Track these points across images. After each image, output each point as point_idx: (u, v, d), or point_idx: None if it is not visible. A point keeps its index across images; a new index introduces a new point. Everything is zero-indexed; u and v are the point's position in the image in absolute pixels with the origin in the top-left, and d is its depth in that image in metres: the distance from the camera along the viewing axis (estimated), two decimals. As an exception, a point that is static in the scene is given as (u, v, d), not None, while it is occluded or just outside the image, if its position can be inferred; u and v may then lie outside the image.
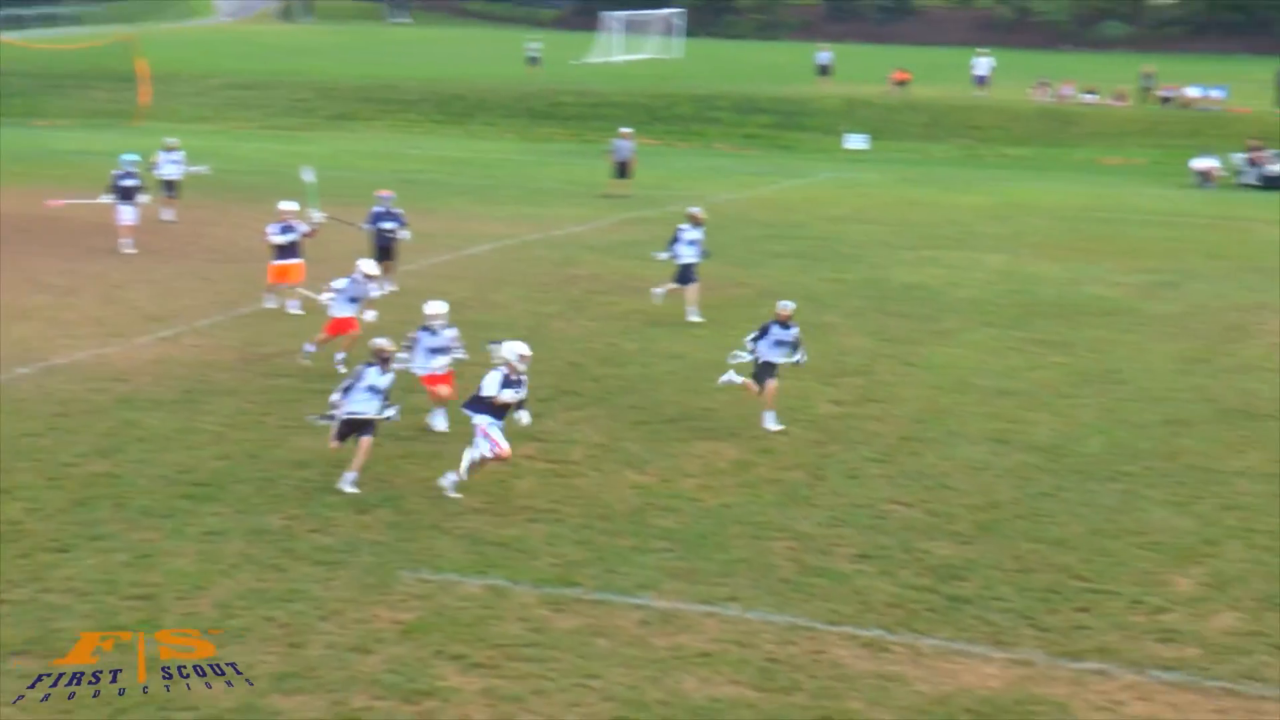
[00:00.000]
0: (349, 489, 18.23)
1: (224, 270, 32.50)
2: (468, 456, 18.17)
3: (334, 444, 18.72)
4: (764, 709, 13.29)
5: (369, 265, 24.79)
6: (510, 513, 17.92)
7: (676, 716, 13.09)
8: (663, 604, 15.50)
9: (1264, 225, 44.56)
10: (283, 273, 28.07)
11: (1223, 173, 55.21)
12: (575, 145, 64.99)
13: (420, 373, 20.73)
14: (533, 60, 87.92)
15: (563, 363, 25.09)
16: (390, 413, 18.65)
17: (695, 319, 28.31)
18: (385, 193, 30.82)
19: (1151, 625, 15.31)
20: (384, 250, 29.93)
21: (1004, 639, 14.92)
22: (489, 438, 18.00)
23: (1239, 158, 55.98)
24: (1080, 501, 18.98)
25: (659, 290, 28.99)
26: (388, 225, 29.98)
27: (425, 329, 20.65)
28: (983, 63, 76.59)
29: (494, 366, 18.28)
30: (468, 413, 18.34)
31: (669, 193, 47.81)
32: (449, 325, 20.80)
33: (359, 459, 18.40)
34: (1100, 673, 14.21)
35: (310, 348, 24.17)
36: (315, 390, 22.89)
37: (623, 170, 47.93)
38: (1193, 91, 72.41)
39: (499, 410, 18.10)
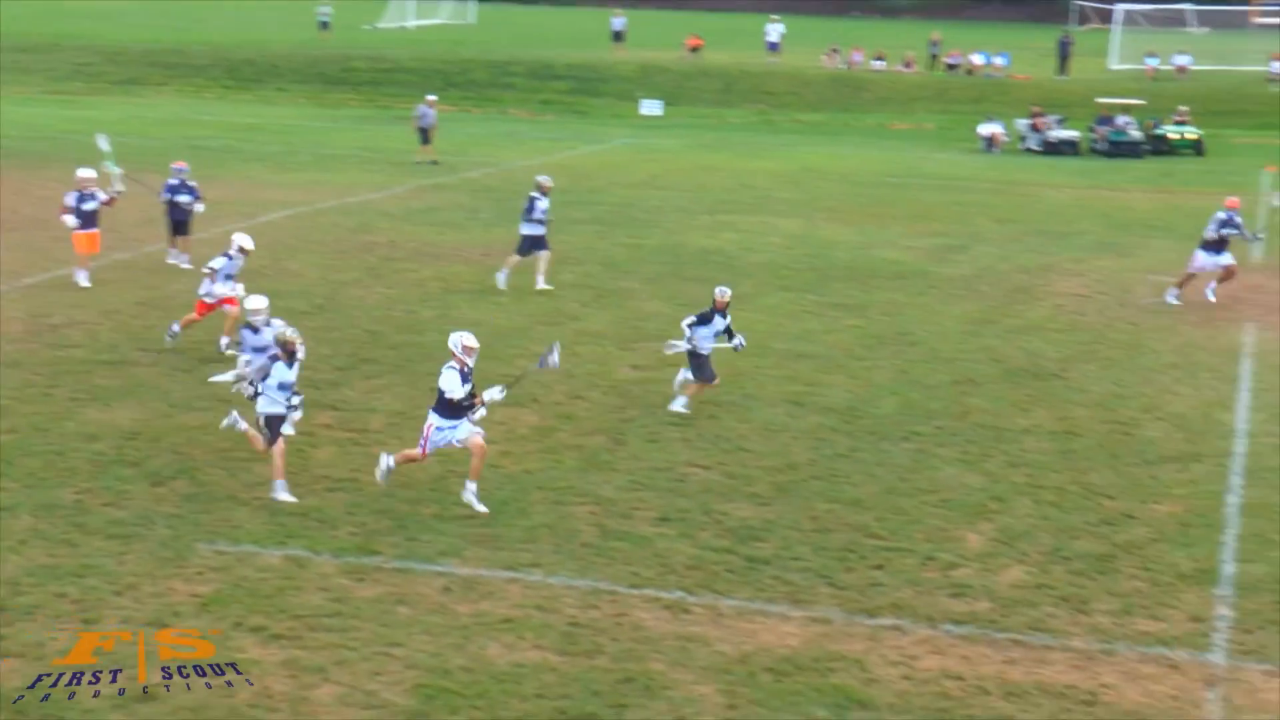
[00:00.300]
0: (284, 496, 17.15)
1: (6, 240, 31.52)
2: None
3: (264, 447, 17.49)
4: (567, 673, 13.34)
5: (244, 239, 23.56)
6: (309, 482, 17.71)
7: (480, 683, 13.07)
8: (465, 571, 15.47)
9: (1047, 190, 45.68)
10: (90, 242, 27.29)
11: (1007, 138, 56.44)
12: (370, 111, 64.27)
13: None
14: (324, 25, 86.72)
15: (360, 331, 24.85)
16: (296, 400, 17.56)
17: (501, 286, 28.13)
18: (179, 164, 30.15)
19: (944, 581, 15.68)
20: (179, 224, 29.30)
21: (802, 598, 15.15)
22: (425, 439, 16.97)
23: (1022, 124, 57.23)
24: (875, 461, 19.33)
25: (540, 271, 28.55)
26: (183, 198, 29.28)
27: (247, 327, 19.40)
28: (775, 29, 77.35)
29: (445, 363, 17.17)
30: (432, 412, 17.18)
31: (465, 159, 47.56)
32: (271, 319, 19.35)
33: (279, 464, 17.33)
34: (895, 628, 14.51)
35: (175, 327, 23.28)
36: (104, 362, 22.44)
37: (426, 136, 47.54)
38: (977, 59, 74.01)
39: (457, 409, 16.91)
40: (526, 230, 28.15)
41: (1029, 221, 38.94)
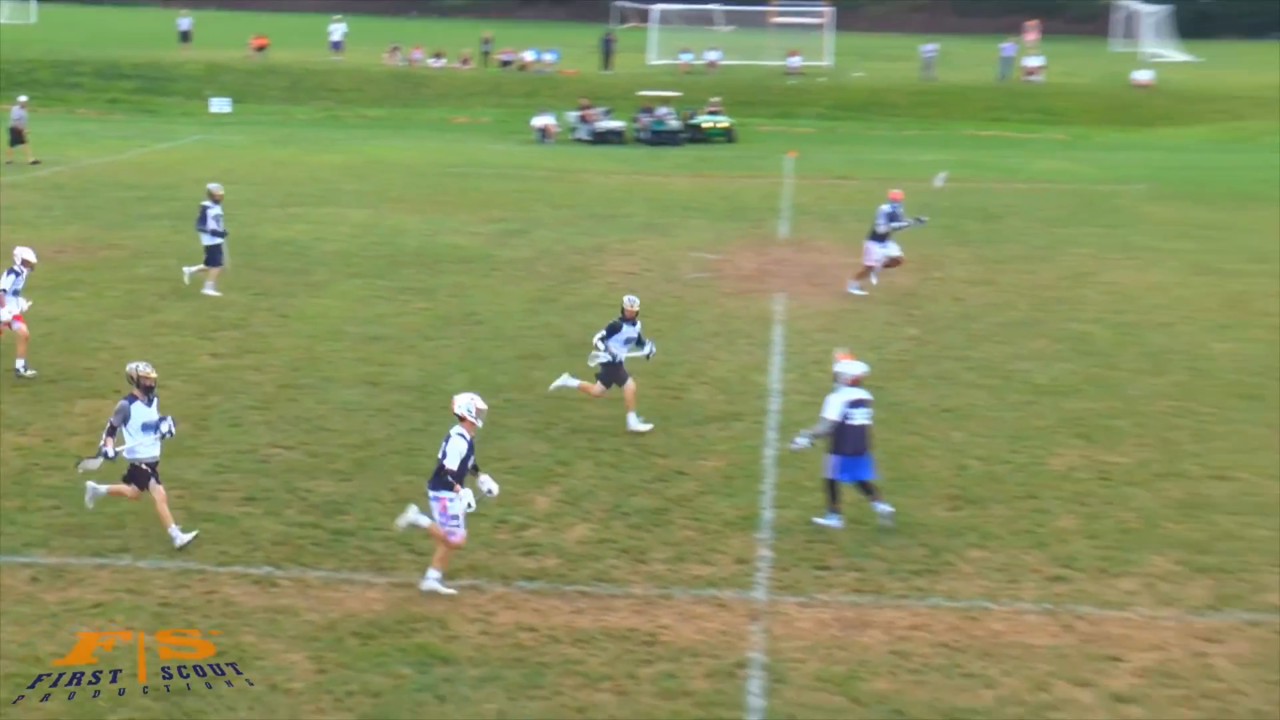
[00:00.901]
0: (181, 538, 15.39)
1: None
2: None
3: (134, 494, 15.50)
4: (160, 652, 13.06)
5: (26, 251, 21.75)
6: (-114, 484, 16.76)
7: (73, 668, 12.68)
8: (52, 560, 14.97)
9: (597, 176, 46.59)
10: None
11: (559, 129, 57.31)
12: (-72, 112, 60.55)
13: None
14: None
15: (-67, 331, 23.53)
16: (166, 428, 15.35)
17: (211, 292, 26.96)
18: None
19: (516, 541, 16.00)
20: None
21: (384, 565, 15.24)
22: (446, 516, 14.43)
23: (572, 115, 58.21)
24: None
25: (189, 270, 27.29)
26: None
27: None
28: (337, 28, 76.54)
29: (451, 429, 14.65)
30: (430, 491, 14.63)
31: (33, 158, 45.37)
32: None
33: (163, 511, 15.45)
34: (473, 588, 14.74)
35: (20, 363, 21.39)
36: None
37: (19, 137, 45.17)
38: (529, 55, 74.88)
39: (445, 480, 14.36)
40: (207, 240, 27.06)
41: (582, 206, 39.69)
